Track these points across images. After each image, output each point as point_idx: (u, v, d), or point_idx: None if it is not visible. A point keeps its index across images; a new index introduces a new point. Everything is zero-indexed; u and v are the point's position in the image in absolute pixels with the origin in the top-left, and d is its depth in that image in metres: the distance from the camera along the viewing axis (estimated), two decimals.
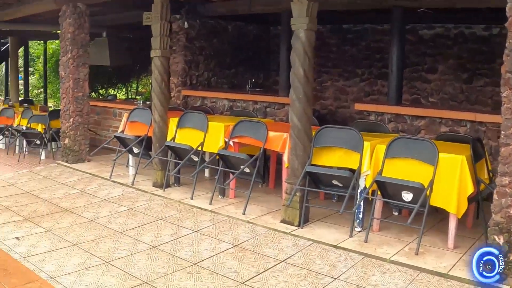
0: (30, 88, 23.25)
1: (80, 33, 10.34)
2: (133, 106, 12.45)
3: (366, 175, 6.42)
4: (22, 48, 21.02)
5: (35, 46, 25.57)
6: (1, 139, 14.07)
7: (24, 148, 12.65)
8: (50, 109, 17.28)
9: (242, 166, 7.43)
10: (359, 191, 6.49)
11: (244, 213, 7.21)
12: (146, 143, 9.06)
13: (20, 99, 19.21)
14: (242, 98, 11.09)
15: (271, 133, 7.54)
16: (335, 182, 6.65)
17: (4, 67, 21.89)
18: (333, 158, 6.81)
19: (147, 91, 23.83)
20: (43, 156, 12.14)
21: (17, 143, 13.03)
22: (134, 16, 10.25)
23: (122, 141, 9.46)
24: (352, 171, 6.47)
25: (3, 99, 21.17)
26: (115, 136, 9.46)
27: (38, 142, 12.11)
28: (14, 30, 17.42)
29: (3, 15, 12.81)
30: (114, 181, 9.19)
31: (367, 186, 6.33)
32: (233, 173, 7.74)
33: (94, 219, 7.18)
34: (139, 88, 24.03)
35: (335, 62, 13.68)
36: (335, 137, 6.71)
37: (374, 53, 12.93)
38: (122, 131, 9.65)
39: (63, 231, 6.66)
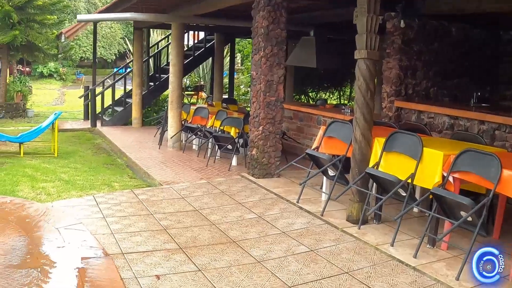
0: (236, 87, 22.85)
1: (275, 28, 9.06)
2: (339, 115, 11.07)
3: None
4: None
5: (245, 45, 25.23)
6: (194, 139, 13.46)
7: (216, 152, 11.96)
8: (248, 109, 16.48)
9: (463, 213, 5.59)
10: None
11: (458, 278, 5.35)
12: (343, 165, 7.51)
13: (224, 97, 18.72)
14: (465, 115, 9.03)
15: (506, 172, 5.57)
16: None
17: (210, 64, 21.65)
18: None
19: None
20: (234, 162, 11.42)
21: (209, 146, 12.26)
22: (345, 14, 8.71)
23: (316, 160, 8.03)
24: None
25: (206, 96, 20.86)
26: (306, 154, 8.03)
27: (229, 147, 11.36)
28: (219, 27, 16.89)
29: (196, 8, 12.09)
30: (300, 207, 7.78)
31: None
32: (450, 221, 5.89)
33: (262, 260, 5.81)
34: (352, 93, 22.65)
35: None
36: None
37: None
38: (317, 148, 8.18)
39: (217, 274, 5.38)
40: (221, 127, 12.11)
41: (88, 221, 7.04)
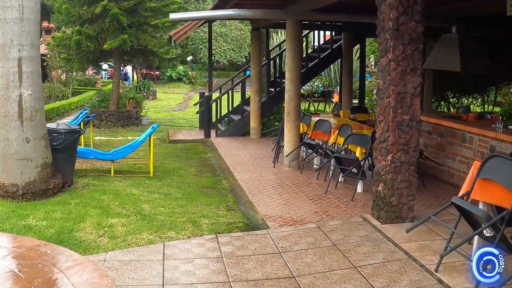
0: (368, 92, 20.39)
1: (408, 20, 6.66)
2: (489, 133, 8.64)
3: None
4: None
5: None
6: (314, 157, 11.38)
7: (338, 175, 9.95)
8: None
9: None
10: None
11: None
12: (508, 222, 5.07)
13: (353, 105, 16.43)
14: None
15: None
16: None
17: (339, 67, 19.35)
18: None
19: (507, 103, 19.30)
20: (359, 189, 9.48)
21: (331, 167, 10.18)
22: (494, 4, 6.25)
23: (465, 214, 5.62)
24: None
25: (334, 103, 18.58)
26: (452, 203, 5.61)
27: (354, 170, 9.40)
28: (346, 25, 14.71)
29: (312, 2, 10.04)
30: (440, 280, 5.40)
31: None
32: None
33: None
34: (497, 98, 19.60)
35: None
36: None
37: None
38: (467, 195, 5.75)
39: None
40: (345, 146, 9.97)
41: None
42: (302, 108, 18.95)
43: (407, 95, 6.73)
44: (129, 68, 33.41)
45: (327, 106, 22.37)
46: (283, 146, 11.81)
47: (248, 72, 17.54)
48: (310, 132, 11.78)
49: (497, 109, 19.56)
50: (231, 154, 13.07)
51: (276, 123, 16.60)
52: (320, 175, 10.59)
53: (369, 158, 9.62)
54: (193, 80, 37.22)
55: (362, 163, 9.43)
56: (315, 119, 12.23)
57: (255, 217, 8.42)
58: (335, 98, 20.95)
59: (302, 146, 11.87)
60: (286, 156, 11.41)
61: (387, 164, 6.84)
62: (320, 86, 22.93)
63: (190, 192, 9.79)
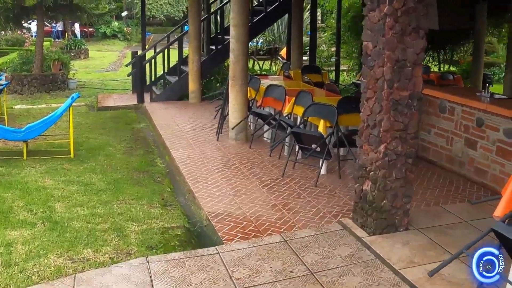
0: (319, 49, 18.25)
1: None
2: (479, 104, 6.91)
3: None
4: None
5: None
6: (266, 130, 9.39)
7: (297, 153, 8.07)
8: (341, 87, 12.11)
9: None
10: None
11: None
12: None
13: (304, 64, 14.35)
14: None
15: None
16: None
17: (285, 22, 17.11)
18: None
19: (465, 62, 17.64)
20: (323, 171, 7.69)
21: (286, 142, 8.20)
22: None
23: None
24: None
25: (282, 62, 16.45)
26: (494, 231, 3.66)
27: (318, 149, 7.48)
28: None
29: None
30: None
31: None
32: None
33: None
34: (454, 57, 17.87)
35: None
36: None
37: None
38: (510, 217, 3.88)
39: None
40: (305, 118, 7.99)
41: None
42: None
43: (406, 63, 4.66)
44: (76, 26, 30.15)
45: (273, 64, 20.17)
46: (227, 115, 9.75)
47: (186, 27, 15.22)
48: (259, 98, 9.74)
49: (453, 68, 17.87)
50: (168, 124, 10.91)
51: (218, 85, 14.41)
52: (273, 151, 8.64)
53: (335, 133, 7.66)
54: (128, 36, 34.29)
55: (327, 140, 7.47)
56: (264, 82, 10.17)
57: (198, 215, 6.45)
58: (283, 54, 18.77)
59: (251, 116, 9.81)
60: (232, 128, 9.34)
61: (378, 157, 4.81)
62: (264, 43, 20.68)
63: (117, 180, 7.64)
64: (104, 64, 23.30)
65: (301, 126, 8.15)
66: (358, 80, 13.55)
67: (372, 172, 4.89)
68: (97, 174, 7.89)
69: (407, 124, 4.78)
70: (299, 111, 8.47)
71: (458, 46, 17.03)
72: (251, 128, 10.15)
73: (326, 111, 7.78)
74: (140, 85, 13.49)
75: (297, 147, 8.01)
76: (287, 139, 8.43)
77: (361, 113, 5.02)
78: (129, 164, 8.50)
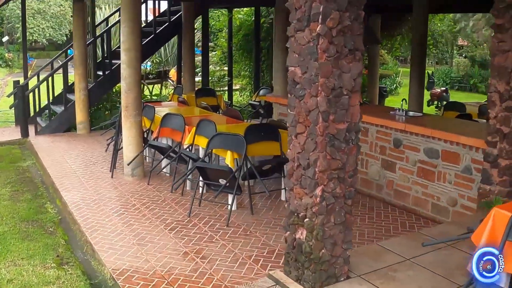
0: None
1: None
2: (396, 124, 6.38)
3: None
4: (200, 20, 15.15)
5: (216, 17, 19.74)
6: (166, 164, 8.43)
7: (201, 190, 7.29)
8: (237, 109, 11.26)
9: None
10: None
11: None
12: None
13: (196, 88, 13.41)
14: None
15: None
16: None
17: (173, 43, 16.11)
18: None
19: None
20: (234, 207, 6.83)
21: (189, 178, 7.31)
22: None
23: None
24: None
25: (174, 86, 15.45)
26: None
27: (226, 184, 6.57)
28: None
29: None
30: None
31: None
32: None
33: None
34: None
35: None
36: None
37: None
38: None
39: None
40: (209, 150, 7.11)
41: None
42: None
43: (343, 91, 3.86)
44: None
45: (163, 88, 19.06)
46: (121, 148, 8.68)
47: (70, 51, 13.91)
48: (155, 128, 8.73)
49: None
50: (56, 161, 9.65)
51: (107, 113, 13.19)
52: (175, 189, 7.73)
53: (245, 165, 6.83)
54: (10, 63, 32.02)
55: (236, 174, 6.62)
56: (159, 110, 9.21)
57: (100, 273, 5.39)
58: (173, 77, 17.69)
59: (147, 149, 8.81)
60: (128, 164, 8.27)
61: (315, 202, 3.96)
62: (153, 66, 19.50)
63: (2, 234, 6.40)
64: None
65: (205, 158, 7.23)
66: (254, 100, 12.82)
67: (307, 219, 4.04)
68: None
69: (345, 161, 3.97)
70: (201, 141, 7.56)
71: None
72: (147, 161, 9.14)
73: (233, 142, 6.91)
74: (23, 117, 12.05)
75: (200, 181, 7.11)
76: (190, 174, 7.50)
77: (288, 150, 4.15)
78: (15, 212, 7.23)
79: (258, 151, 7.20)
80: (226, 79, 16.05)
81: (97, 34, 13.28)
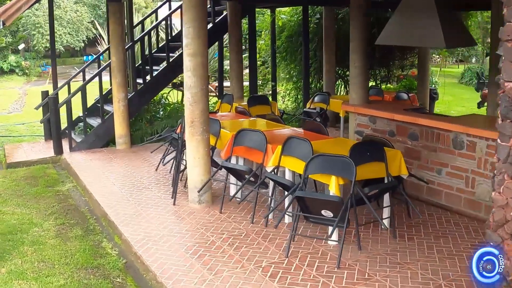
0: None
1: None
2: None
3: None
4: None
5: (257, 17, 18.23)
6: (249, 191, 7.12)
7: (296, 220, 5.92)
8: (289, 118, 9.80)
9: None
10: None
11: None
12: None
13: (250, 95, 11.95)
14: None
15: None
16: None
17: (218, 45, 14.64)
18: None
19: (404, 77, 16.00)
20: (334, 236, 5.64)
21: (289, 212, 6.10)
22: None
23: None
24: None
25: (222, 94, 14.01)
26: None
27: (329, 214, 5.42)
28: None
29: None
30: None
31: None
32: None
33: None
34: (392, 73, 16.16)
35: None
36: None
37: None
38: None
39: None
40: (306, 176, 5.73)
41: None
42: (175, 100, 14.33)
43: None
44: None
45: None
46: (184, 169, 7.34)
47: (85, 58, 12.51)
48: (223, 147, 7.34)
49: (390, 85, 16.17)
50: (101, 184, 8.32)
51: (147, 124, 11.80)
52: (254, 215, 6.43)
53: (354, 194, 5.45)
54: (27, 71, 30.72)
55: (345, 203, 5.27)
56: (225, 120, 7.87)
57: None
58: (211, 85, 16.28)
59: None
60: (199, 191, 6.89)
61: None
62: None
63: None
64: (4, 105, 19.82)
65: (303, 186, 5.84)
66: (309, 108, 11.44)
67: None
68: (29, 281, 5.25)
69: None
70: (290, 163, 6.21)
71: (403, 61, 15.34)
72: (213, 184, 7.79)
73: (339, 165, 5.52)
74: (56, 132, 10.68)
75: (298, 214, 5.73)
76: (286, 204, 6.14)
77: (496, 193, 2.77)
78: (68, 256, 5.89)
79: (364, 174, 5.83)
80: (270, 84, 14.62)
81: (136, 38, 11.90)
